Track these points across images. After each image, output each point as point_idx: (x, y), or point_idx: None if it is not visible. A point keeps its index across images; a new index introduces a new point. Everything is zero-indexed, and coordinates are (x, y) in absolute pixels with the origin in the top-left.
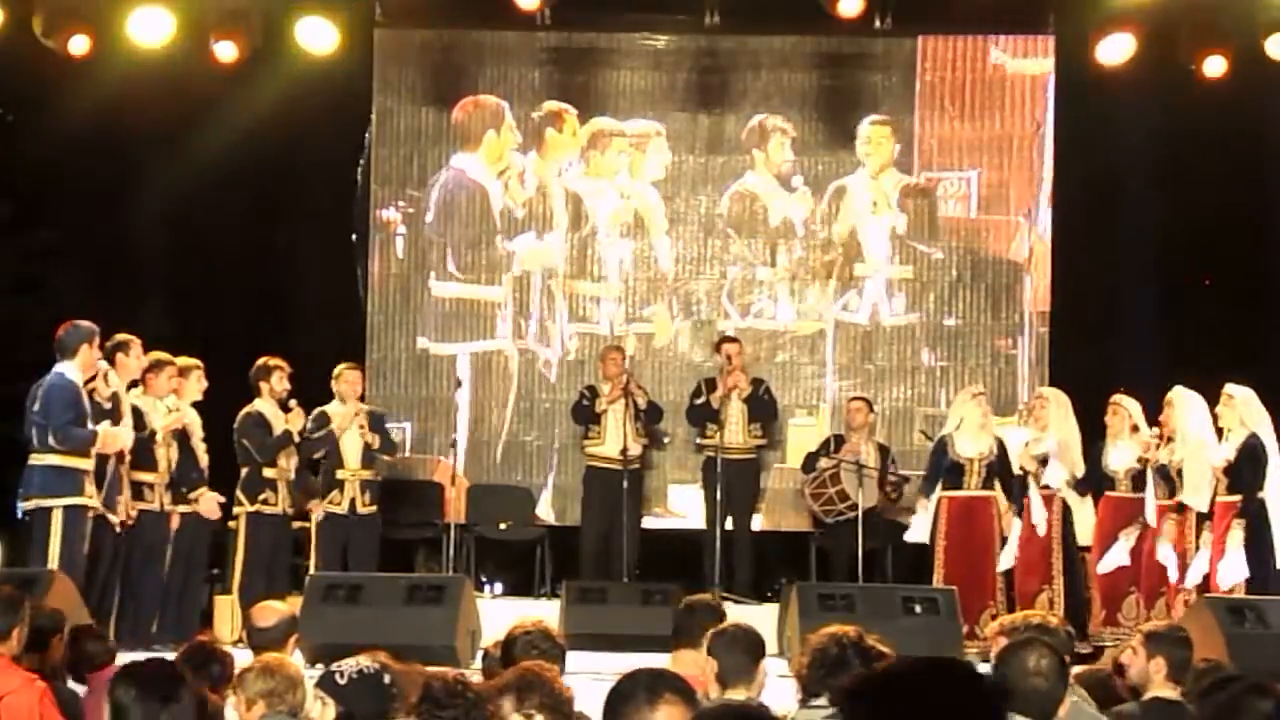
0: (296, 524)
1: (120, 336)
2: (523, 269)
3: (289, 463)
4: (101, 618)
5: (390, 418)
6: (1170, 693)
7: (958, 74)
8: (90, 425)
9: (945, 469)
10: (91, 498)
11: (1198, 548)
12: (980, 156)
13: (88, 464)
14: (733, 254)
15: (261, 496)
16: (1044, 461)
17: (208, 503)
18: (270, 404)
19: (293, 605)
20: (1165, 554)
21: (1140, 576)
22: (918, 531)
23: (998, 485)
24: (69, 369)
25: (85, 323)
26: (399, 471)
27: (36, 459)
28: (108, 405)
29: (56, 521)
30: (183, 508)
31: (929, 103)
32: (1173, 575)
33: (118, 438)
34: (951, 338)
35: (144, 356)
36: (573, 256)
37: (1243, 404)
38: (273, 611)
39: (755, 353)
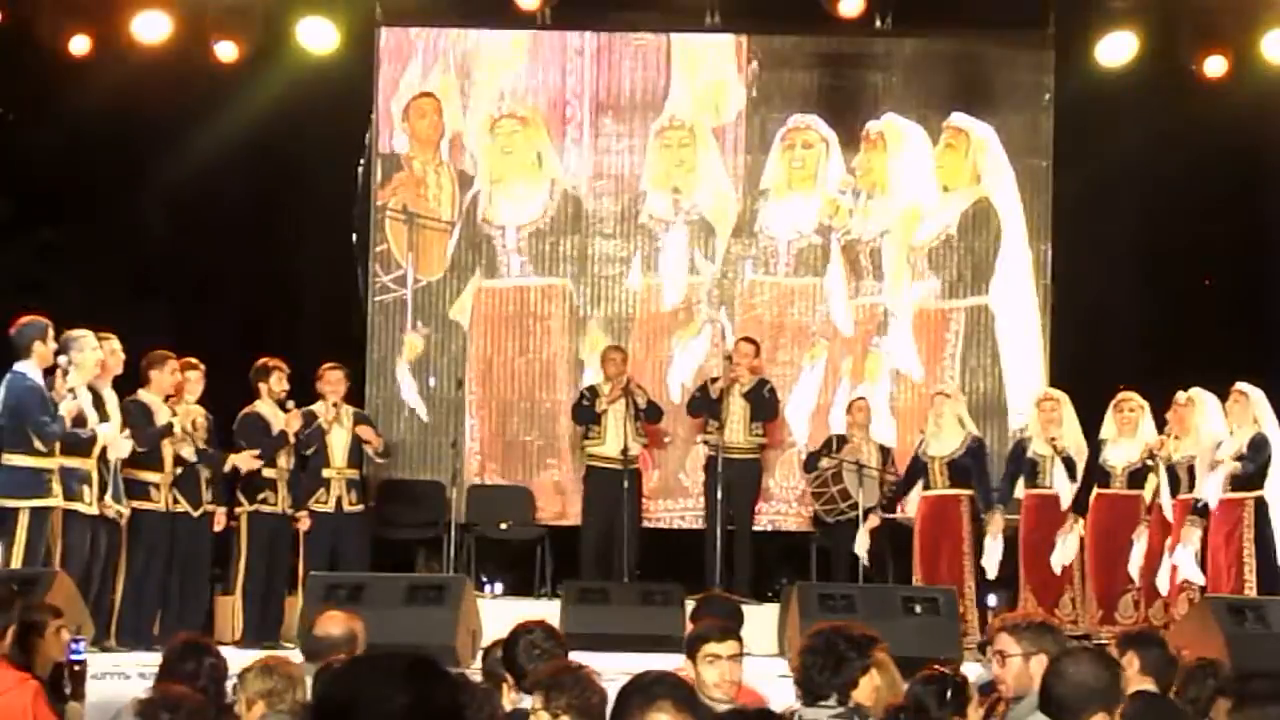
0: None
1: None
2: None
3: (288, 462)
4: (99, 617)
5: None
6: (1150, 685)
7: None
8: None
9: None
10: (58, 498)
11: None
12: None
13: (54, 464)
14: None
15: (261, 496)
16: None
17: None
18: (269, 405)
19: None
20: (1184, 557)
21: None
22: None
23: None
24: (28, 368)
25: (37, 318)
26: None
27: (6, 459)
28: (66, 398)
29: (22, 523)
30: (187, 507)
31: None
32: (1193, 575)
33: (116, 445)
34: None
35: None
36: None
37: (1257, 402)
38: (339, 621)
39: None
